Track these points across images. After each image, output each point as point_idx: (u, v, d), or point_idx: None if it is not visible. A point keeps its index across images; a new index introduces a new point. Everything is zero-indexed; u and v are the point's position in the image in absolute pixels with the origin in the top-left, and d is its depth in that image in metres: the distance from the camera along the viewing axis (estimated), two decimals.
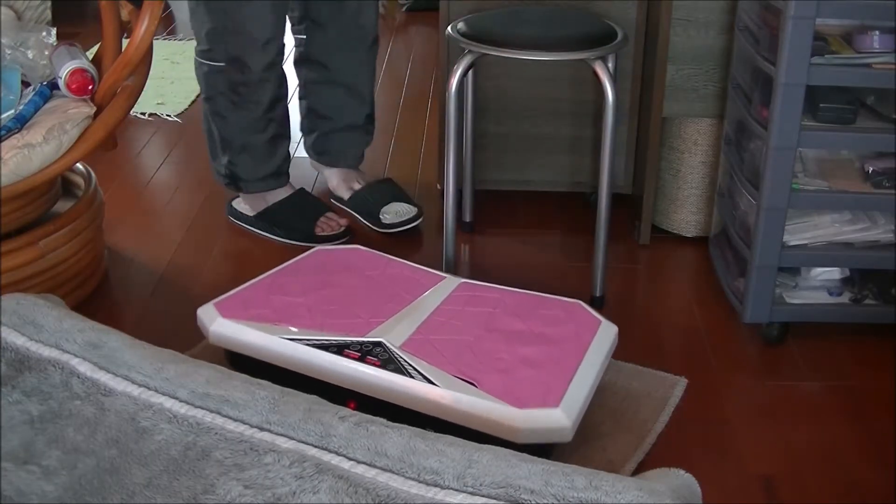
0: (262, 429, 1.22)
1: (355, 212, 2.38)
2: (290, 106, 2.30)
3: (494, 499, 1.09)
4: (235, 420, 1.24)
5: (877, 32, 1.68)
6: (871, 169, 1.79)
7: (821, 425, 1.68)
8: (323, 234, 2.24)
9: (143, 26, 1.82)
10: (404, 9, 4.31)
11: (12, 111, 1.82)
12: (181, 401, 1.27)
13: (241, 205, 2.35)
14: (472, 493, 1.10)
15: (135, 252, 2.24)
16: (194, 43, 2.19)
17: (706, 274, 2.15)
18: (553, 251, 2.27)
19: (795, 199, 1.77)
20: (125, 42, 1.88)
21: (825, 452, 1.61)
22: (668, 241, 2.29)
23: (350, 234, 2.25)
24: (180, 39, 3.86)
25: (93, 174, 2.09)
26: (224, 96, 2.17)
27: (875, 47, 1.69)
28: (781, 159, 1.75)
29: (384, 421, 1.23)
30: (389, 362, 1.51)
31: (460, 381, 1.46)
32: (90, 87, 1.87)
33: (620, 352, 1.70)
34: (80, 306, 1.94)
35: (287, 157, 2.28)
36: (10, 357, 1.34)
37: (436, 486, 1.11)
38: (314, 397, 1.28)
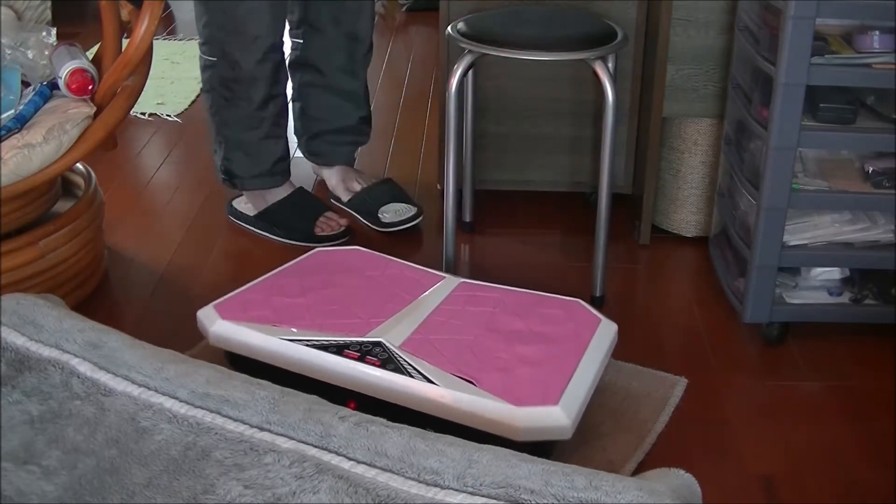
0: (262, 429, 1.22)
1: (355, 212, 2.38)
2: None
3: (494, 499, 1.09)
4: (235, 420, 1.24)
5: (877, 32, 1.68)
6: (871, 169, 1.79)
7: (821, 425, 1.68)
8: (322, 233, 2.24)
9: (143, 26, 1.82)
10: (404, 9, 4.31)
11: (12, 111, 1.82)
12: (181, 401, 1.27)
13: (242, 204, 2.35)
14: (472, 493, 1.10)
15: (135, 252, 2.24)
16: (195, 42, 2.20)
17: (706, 274, 2.15)
18: (553, 251, 2.27)
19: (795, 199, 1.77)
20: (125, 42, 1.88)
21: (825, 452, 1.61)
22: (668, 241, 2.29)
23: (350, 234, 2.25)
24: (180, 39, 3.87)
25: (93, 174, 2.09)
26: (217, 91, 2.19)
27: (875, 47, 1.69)
28: (781, 159, 1.75)
29: (384, 421, 1.23)
30: (389, 362, 1.51)
31: (460, 380, 1.46)
32: (90, 87, 1.87)
33: (620, 352, 1.70)
34: (80, 306, 1.94)
35: (283, 157, 2.27)
36: (10, 357, 1.34)
37: (436, 486, 1.11)
38: (314, 397, 1.29)
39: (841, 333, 1.92)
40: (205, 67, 2.18)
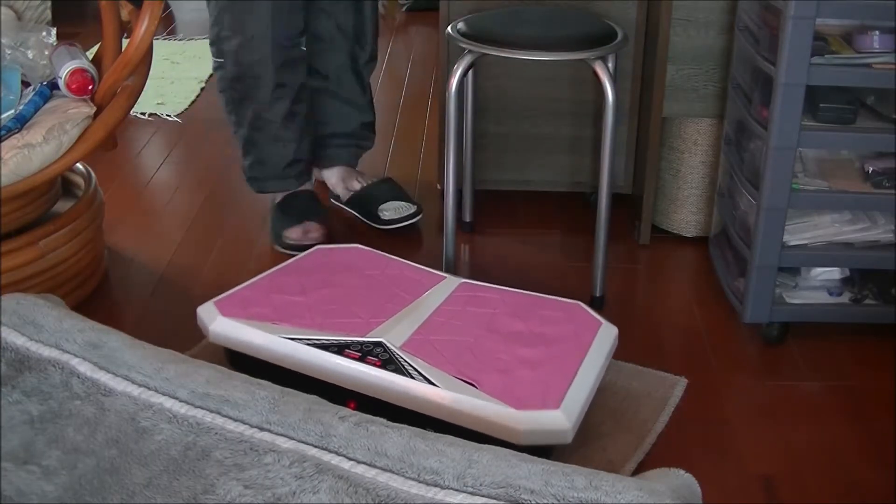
0: (262, 429, 1.22)
1: (354, 210, 2.39)
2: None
3: (494, 499, 1.09)
4: (235, 420, 1.24)
5: (877, 32, 1.68)
6: (871, 169, 1.79)
7: (821, 425, 1.68)
8: (289, 240, 2.21)
9: (143, 26, 1.82)
10: (404, 9, 4.32)
11: (12, 111, 1.82)
12: (181, 401, 1.27)
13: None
14: (472, 493, 1.10)
15: (135, 252, 2.24)
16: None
17: (706, 274, 2.15)
18: (553, 251, 2.27)
19: (795, 199, 1.77)
20: (125, 42, 1.88)
21: (825, 452, 1.61)
22: (668, 241, 2.29)
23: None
24: (180, 39, 3.87)
25: (93, 174, 2.09)
26: (227, 92, 2.20)
27: (875, 47, 1.69)
28: (781, 159, 1.75)
29: (384, 421, 1.23)
30: (389, 362, 1.51)
31: (460, 381, 1.46)
32: (90, 87, 1.87)
33: (620, 352, 1.70)
34: (80, 306, 1.94)
35: (296, 160, 2.25)
36: (10, 357, 1.34)
37: (436, 486, 1.11)
38: (314, 397, 1.29)
39: (841, 333, 1.92)
40: (215, 68, 2.20)
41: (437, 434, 1.21)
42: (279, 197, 2.30)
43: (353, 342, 1.56)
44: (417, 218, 2.33)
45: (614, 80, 1.86)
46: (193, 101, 3.18)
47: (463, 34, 1.89)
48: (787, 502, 1.50)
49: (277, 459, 1.16)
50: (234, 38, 2.10)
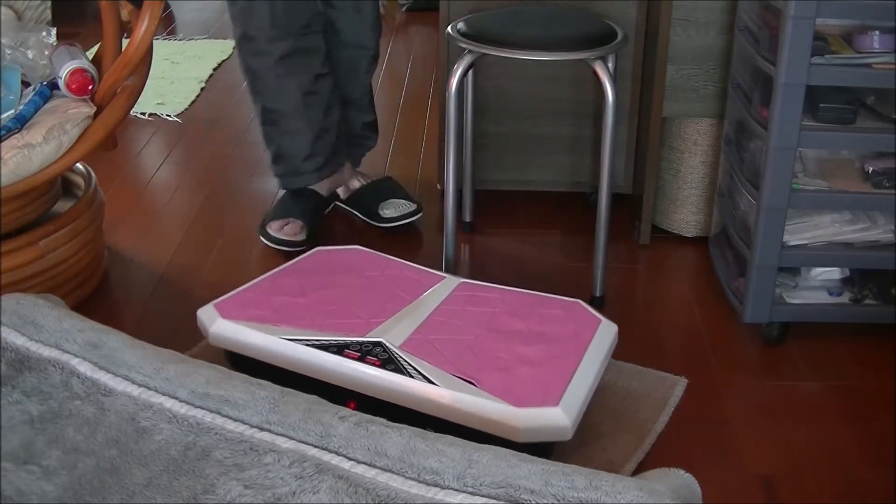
0: (262, 429, 1.22)
1: (354, 209, 2.38)
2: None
3: (494, 499, 1.09)
4: (235, 420, 1.24)
5: (877, 32, 1.68)
6: (871, 169, 1.79)
7: (821, 425, 1.68)
8: (273, 233, 2.20)
9: (143, 26, 1.82)
10: (404, 9, 4.32)
11: (12, 111, 1.82)
12: (181, 401, 1.27)
13: None
14: (472, 493, 1.10)
15: (135, 252, 2.24)
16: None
17: (706, 274, 2.15)
18: (553, 251, 2.27)
19: (795, 199, 1.78)
20: (125, 42, 1.88)
21: (825, 452, 1.61)
22: (668, 241, 2.29)
23: (301, 247, 2.19)
24: (180, 39, 3.86)
25: (93, 174, 2.09)
26: (248, 86, 2.24)
27: (875, 47, 1.69)
28: (781, 159, 1.75)
29: (384, 421, 1.23)
30: (389, 362, 1.51)
31: (460, 380, 1.46)
32: (90, 87, 1.87)
33: (620, 352, 1.70)
34: (80, 306, 1.94)
35: (311, 155, 2.24)
36: (10, 357, 1.34)
37: (436, 486, 1.11)
38: (314, 397, 1.29)
39: (841, 333, 1.92)
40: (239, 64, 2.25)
41: (437, 434, 1.21)
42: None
43: (352, 342, 1.56)
44: (417, 216, 2.33)
45: (614, 80, 1.86)
46: (193, 101, 3.18)
47: (463, 34, 1.89)
48: (787, 502, 1.50)
49: (277, 459, 1.16)
50: (237, 28, 2.15)
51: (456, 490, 1.11)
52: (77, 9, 3.50)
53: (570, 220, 2.40)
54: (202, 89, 3.29)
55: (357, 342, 1.56)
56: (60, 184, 2.03)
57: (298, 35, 2.13)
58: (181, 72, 3.45)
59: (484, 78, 2.30)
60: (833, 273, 1.90)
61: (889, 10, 1.64)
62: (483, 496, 1.09)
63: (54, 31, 2.01)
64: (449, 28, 1.95)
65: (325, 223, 2.35)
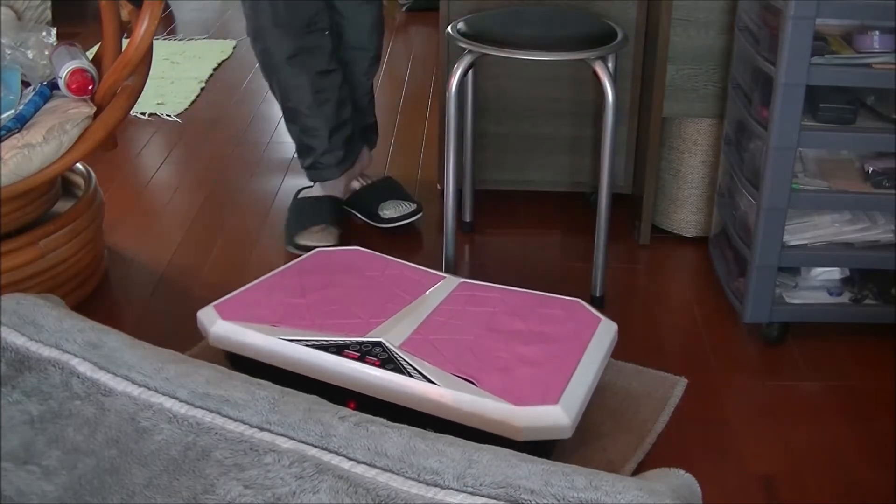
0: (262, 429, 1.22)
1: (354, 210, 2.38)
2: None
3: (494, 499, 1.09)
4: (235, 420, 1.24)
5: (877, 32, 1.68)
6: (871, 169, 1.79)
7: (821, 425, 1.68)
8: (303, 242, 2.21)
9: (143, 26, 1.82)
10: (404, 9, 4.31)
11: (12, 111, 1.82)
12: (181, 401, 1.27)
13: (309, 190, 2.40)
14: (472, 493, 1.10)
15: (135, 252, 2.24)
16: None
17: (706, 274, 2.15)
18: (553, 251, 2.27)
19: (795, 199, 1.78)
20: (125, 42, 1.88)
21: (825, 452, 1.61)
22: (668, 241, 2.29)
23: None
24: (180, 39, 3.86)
25: (93, 174, 2.09)
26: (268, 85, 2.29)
27: (875, 47, 1.69)
28: (781, 159, 1.75)
29: (384, 421, 1.23)
30: (389, 362, 1.51)
31: (460, 379, 1.46)
32: (90, 87, 1.87)
33: (620, 352, 1.70)
34: (80, 306, 1.94)
35: (326, 151, 2.26)
36: (10, 357, 1.34)
37: (436, 486, 1.11)
38: (314, 397, 1.29)
39: (841, 333, 1.92)
40: None
41: (437, 434, 1.21)
42: (309, 194, 2.33)
43: (352, 342, 1.56)
44: (417, 216, 2.33)
45: (614, 80, 1.86)
46: (193, 101, 3.18)
47: (463, 34, 1.89)
48: (787, 502, 1.51)
49: (277, 459, 1.16)
50: (247, 26, 2.18)
51: (456, 490, 1.11)
52: (77, 9, 3.50)
53: (570, 220, 2.40)
54: (202, 89, 3.29)
55: (357, 342, 1.56)
56: (60, 184, 2.03)
57: (302, 33, 2.15)
58: (181, 72, 3.45)
59: (484, 78, 2.30)
60: (833, 273, 1.90)
61: (889, 10, 1.64)
62: (483, 496, 1.09)
63: (54, 31, 2.01)
64: (449, 28, 1.95)
65: None
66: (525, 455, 1.16)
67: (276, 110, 3.11)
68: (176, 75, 3.42)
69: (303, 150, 2.30)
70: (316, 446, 1.18)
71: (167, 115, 3.06)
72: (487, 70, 2.28)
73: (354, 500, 1.10)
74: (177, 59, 3.58)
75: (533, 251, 2.26)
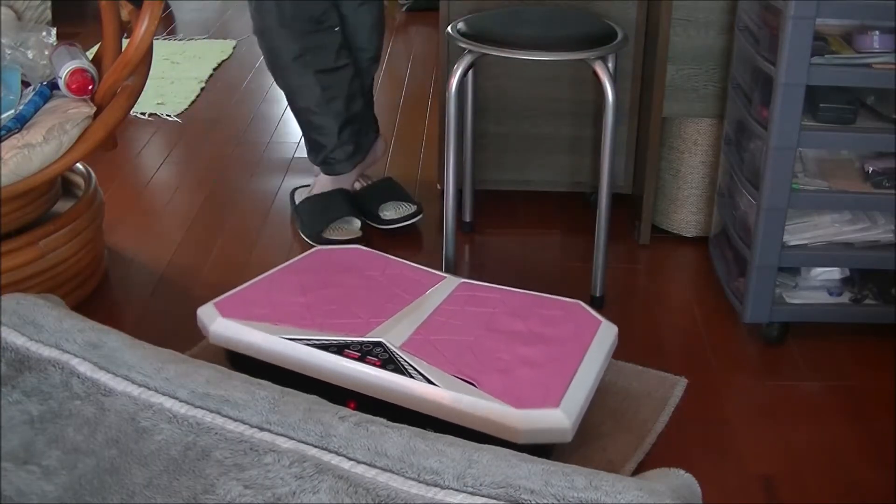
0: (262, 429, 1.22)
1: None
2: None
3: (494, 499, 1.09)
4: (235, 420, 1.24)
5: (877, 32, 1.68)
6: (871, 169, 1.79)
7: (821, 425, 1.68)
8: (331, 237, 2.23)
9: (143, 26, 1.82)
10: (404, 9, 4.31)
11: (12, 111, 1.82)
12: (181, 401, 1.27)
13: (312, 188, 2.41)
14: (472, 493, 1.10)
15: (135, 252, 2.24)
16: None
17: (706, 274, 2.15)
18: (553, 251, 2.27)
19: (795, 199, 1.78)
20: (125, 42, 1.88)
21: (825, 452, 1.61)
22: (668, 241, 2.29)
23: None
24: (180, 39, 3.86)
25: (93, 174, 2.09)
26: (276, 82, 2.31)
27: (875, 47, 1.69)
28: (781, 159, 1.75)
29: (384, 421, 1.23)
30: (389, 362, 1.51)
31: (460, 381, 1.46)
32: (90, 87, 1.87)
33: (620, 352, 1.70)
34: (80, 306, 1.94)
35: (339, 146, 2.28)
36: (10, 357, 1.34)
37: (436, 486, 1.11)
38: (314, 397, 1.28)
39: (841, 333, 1.92)
40: None
41: (437, 434, 1.21)
42: (310, 192, 2.35)
43: (352, 342, 1.56)
44: (418, 218, 2.33)
45: (614, 80, 1.86)
46: (193, 101, 3.18)
47: (463, 34, 1.89)
48: (787, 502, 1.51)
49: (277, 459, 1.16)
50: (253, 25, 2.19)
51: (456, 490, 1.11)
52: (77, 9, 3.50)
53: (570, 220, 2.40)
54: (202, 89, 3.29)
55: (357, 342, 1.56)
56: (60, 184, 2.03)
57: (309, 33, 2.16)
58: (181, 72, 3.45)
59: (484, 78, 2.30)
60: (833, 273, 1.90)
61: (889, 10, 1.64)
62: (483, 496, 1.09)
63: (54, 31, 2.01)
64: (449, 28, 1.95)
65: None
66: (525, 455, 1.16)
67: (276, 110, 3.11)
68: (176, 75, 3.42)
69: (313, 146, 2.32)
70: (316, 446, 1.18)
71: (167, 115, 3.05)
72: (487, 70, 2.29)
73: (354, 500, 1.10)
74: (177, 59, 3.58)
75: (533, 251, 2.26)
